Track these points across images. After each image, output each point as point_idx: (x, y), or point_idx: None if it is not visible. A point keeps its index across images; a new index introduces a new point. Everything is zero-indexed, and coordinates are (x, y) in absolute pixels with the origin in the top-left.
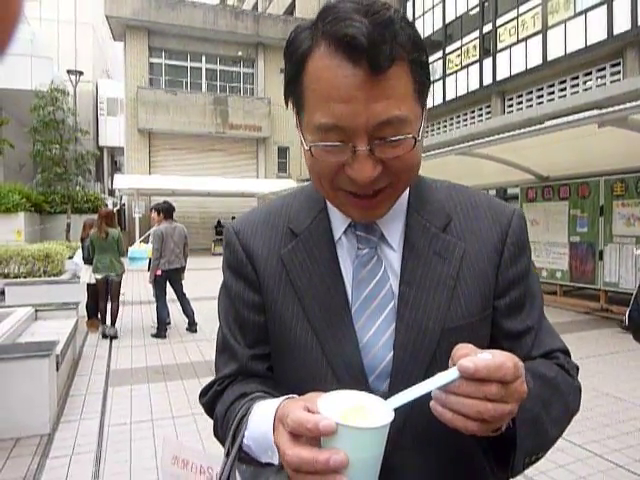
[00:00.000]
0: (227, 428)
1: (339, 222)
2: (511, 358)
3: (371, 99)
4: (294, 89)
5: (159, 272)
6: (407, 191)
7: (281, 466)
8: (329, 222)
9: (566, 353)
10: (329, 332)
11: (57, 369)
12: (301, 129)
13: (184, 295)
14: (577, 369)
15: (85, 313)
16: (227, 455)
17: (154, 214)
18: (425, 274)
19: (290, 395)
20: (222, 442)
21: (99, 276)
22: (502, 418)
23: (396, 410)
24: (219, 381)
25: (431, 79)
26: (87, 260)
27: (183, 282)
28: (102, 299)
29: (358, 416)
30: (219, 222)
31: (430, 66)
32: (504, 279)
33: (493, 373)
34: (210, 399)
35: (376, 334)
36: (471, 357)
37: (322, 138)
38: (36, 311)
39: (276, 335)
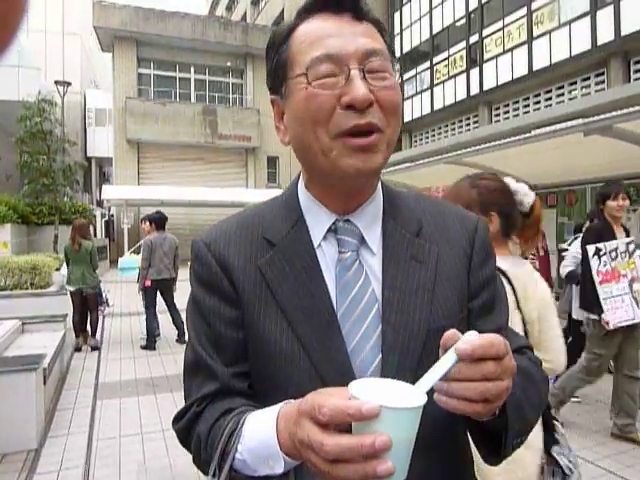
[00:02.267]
0: (213, 447)
1: (318, 228)
2: (497, 336)
3: (357, 34)
4: (279, 65)
5: (148, 283)
6: (381, 198)
7: (279, 477)
8: (307, 229)
9: (531, 349)
10: (316, 340)
11: (44, 383)
12: (287, 96)
13: (174, 306)
14: (540, 363)
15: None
16: (214, 475)
17: (145, 225)
18: (406, 278)
19: (287, 400)
20: (203, 466)
21: (72, 288)
22: (501, 395)
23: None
24: (197, 402)
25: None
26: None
27: (174, 293)
28: (76, 312)
29: (394, 399)
30: None
31: (418, 76)
32: (475, 281)
33: (488, 351)
34: (188, 422)
35: (363, 339)
36: (463, 339)
37: (316, 73)
38: (23, 324)
39: (258, 350)
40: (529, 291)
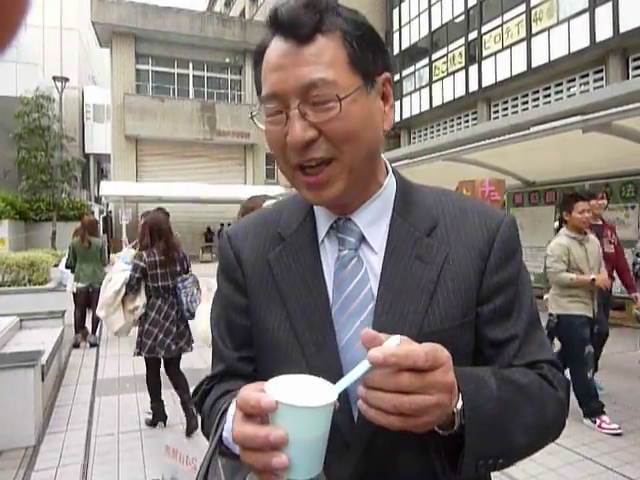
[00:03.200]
0: (211, 422)
1: (323, 224)
2: (423, 346)
3: (298, 64)
4: (259, 89)
5: None
6: (393, 195)
7: None
8: (314, 225)
9: (553, 364)
10: (310, 335)
11: (42, 379)
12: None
13: None
14: (567, 383)
15: (72, 323)
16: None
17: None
18: (405, 277)
19: None
20: (207, 437)
21: (81, 285)
22: (426, 410)
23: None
24: (207, 380)
25: (375, 56)
26: (68, 267)
27: None
28: (79, 308)
29: (300, 397)
30: (209, 229)
31: (416, 73)
32: (488, 285)
33: (402, 361)
34: (199, 397)
35: (354, 336)
36: (379, 347)
37: (266, 110)
38: (21, 320)
39: (259, 338)
40: None
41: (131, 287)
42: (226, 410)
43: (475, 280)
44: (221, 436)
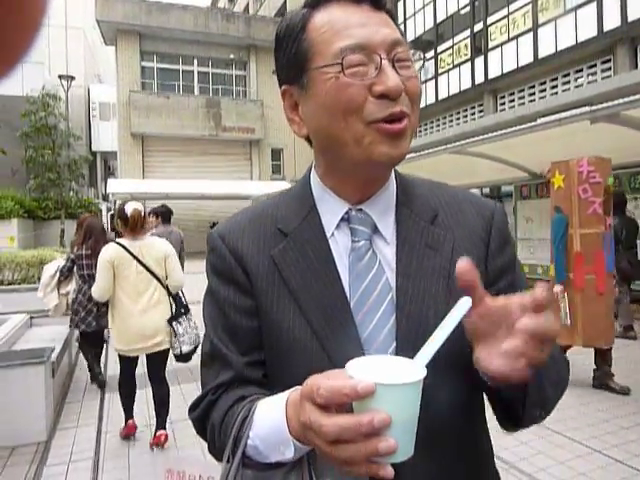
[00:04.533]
0: (227, 434)
1: (331, 217)
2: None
3: (380, 24)
4: (298, 55)
5: None
6: (394, 186)
7: (293, 464)
8: (320, 219)
9: None
10: (329, 330)
11: (53, 376)
12: (309, 87)
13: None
14: (561, 347)
15: None
16: (228, 461)
17: (152, 218)
18: (420, 266)
19: (296, 387)
20: (218, 453)
21: None
22: (542, 362)
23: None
24: (212, 390)
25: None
26: None
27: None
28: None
29: (392, 375)
30: (214, 224)
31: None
32: (492, 269)
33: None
34: (203, 410)
35: (376, 328)
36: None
37: (346, 62)
38: (31, 318)
39: (273, 338)
40: (153, 249)
41: (62, 273)
42: (247, 417)
43: (480, 265)
44: (245, 445)
